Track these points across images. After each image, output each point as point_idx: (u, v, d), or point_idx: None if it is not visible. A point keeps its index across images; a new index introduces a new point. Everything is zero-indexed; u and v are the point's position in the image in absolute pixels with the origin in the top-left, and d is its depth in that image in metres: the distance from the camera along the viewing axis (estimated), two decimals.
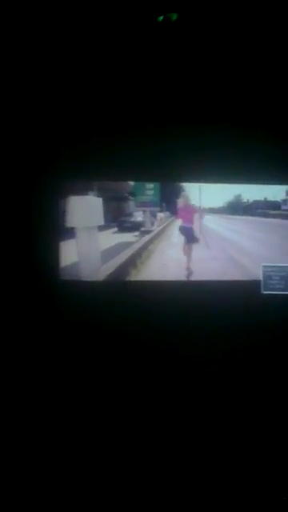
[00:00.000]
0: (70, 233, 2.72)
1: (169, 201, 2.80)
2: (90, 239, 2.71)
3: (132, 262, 2.73)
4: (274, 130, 2.72)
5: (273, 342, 2.60)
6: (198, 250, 2.77)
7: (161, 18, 2.24)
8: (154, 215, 2.83)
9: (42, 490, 1.85)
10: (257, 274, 2.73)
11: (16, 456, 2.01)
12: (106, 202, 2.76)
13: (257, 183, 2.80)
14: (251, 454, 2.06)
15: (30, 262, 2.59)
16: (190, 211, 2.78)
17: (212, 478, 1.95)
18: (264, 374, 2.50)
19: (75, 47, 2.33)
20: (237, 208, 2.81)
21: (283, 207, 2.82)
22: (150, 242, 2.82)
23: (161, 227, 2.83)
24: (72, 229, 2.72)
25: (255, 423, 2.23)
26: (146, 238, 2.82)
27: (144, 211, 2.81)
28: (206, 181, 2.76)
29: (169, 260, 2.76)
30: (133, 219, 2.83)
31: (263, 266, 2.71)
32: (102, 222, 2.73)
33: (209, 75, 2.51)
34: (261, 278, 2.71)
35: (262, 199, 2.83)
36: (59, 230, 2.70)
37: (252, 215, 2.83)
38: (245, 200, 2.82)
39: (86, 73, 2.47)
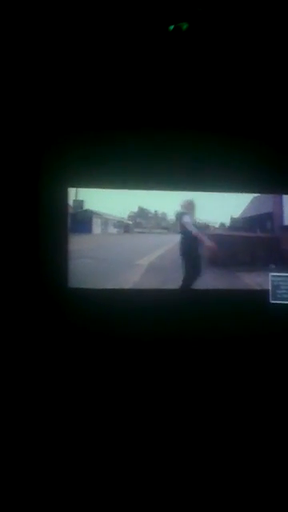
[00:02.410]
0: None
1: None
2: None
3: None
4: (272, 141, 2.74)
5: (281, 351, 2.59)
6: None
7: (171, 27, 2.25)
8: None
9: (42, 491, 1.84)
10: None
11: (21, 462, 2.00)
12: None
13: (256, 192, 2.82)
14: (252, 463, 2.05)
15: (36, 268, 2.59)
16: None
17: (212, 481, 1.94)
18: (273, 383, 2.48)
19: (82, 54, 2.34)
20: None
21: None
22: None
23: None
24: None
25: (260, 432, 2.21)
26: None
27: None
28: (209, 190, 2.75)
29: None
30: None
31: (271, 276, 2.70)
32: None
33: (215, 84, 2.52)
34: (269, 287, 2.70)
35: None
36: (67, 238, 2.69)
37: None
38: None
39: (91, 76, 2.47)
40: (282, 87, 2.53)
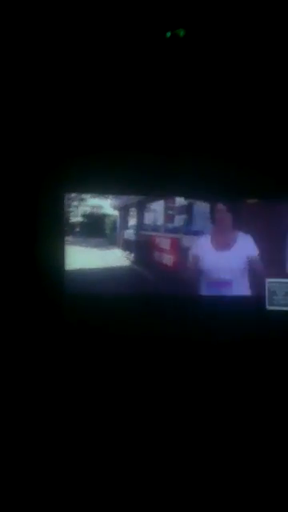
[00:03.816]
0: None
1: None
2: None
3: None
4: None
5: (278, 357, 2.58)
6: None
7: (169, 33, 2.25)
8: None
9: (42, 490, 1.84)
10: None
11: (20, 460, 2.01)
12: None
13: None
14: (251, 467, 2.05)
15: (34, 274, 2.60)
16: None
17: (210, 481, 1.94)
18: (269, 389, 2.48)
19: (81, 61, 2.36)
20: None
21: None
22: None
23: None
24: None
25: (257, 437, 2.21)
26: None
27: None
28: (205, 197, 2.75)
29: None
30: None
31: (268, 282, 2.70)
32: None
33: (212, 90, 2.53)
34: (266, 293, 2.70)
35: None
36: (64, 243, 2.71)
37: None
38: None
39: (90, 84, 2.49)
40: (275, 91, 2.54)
